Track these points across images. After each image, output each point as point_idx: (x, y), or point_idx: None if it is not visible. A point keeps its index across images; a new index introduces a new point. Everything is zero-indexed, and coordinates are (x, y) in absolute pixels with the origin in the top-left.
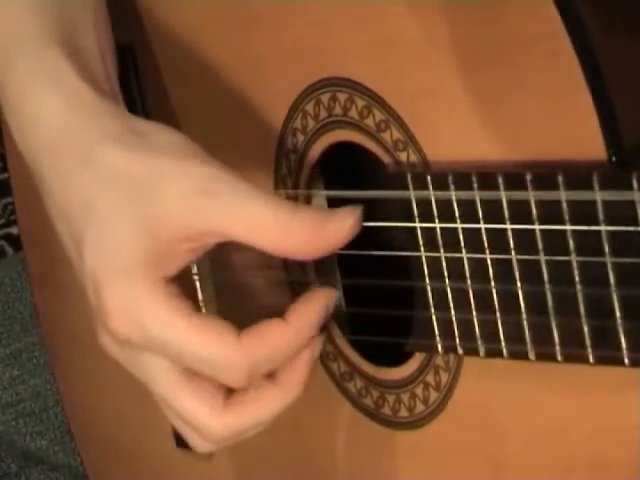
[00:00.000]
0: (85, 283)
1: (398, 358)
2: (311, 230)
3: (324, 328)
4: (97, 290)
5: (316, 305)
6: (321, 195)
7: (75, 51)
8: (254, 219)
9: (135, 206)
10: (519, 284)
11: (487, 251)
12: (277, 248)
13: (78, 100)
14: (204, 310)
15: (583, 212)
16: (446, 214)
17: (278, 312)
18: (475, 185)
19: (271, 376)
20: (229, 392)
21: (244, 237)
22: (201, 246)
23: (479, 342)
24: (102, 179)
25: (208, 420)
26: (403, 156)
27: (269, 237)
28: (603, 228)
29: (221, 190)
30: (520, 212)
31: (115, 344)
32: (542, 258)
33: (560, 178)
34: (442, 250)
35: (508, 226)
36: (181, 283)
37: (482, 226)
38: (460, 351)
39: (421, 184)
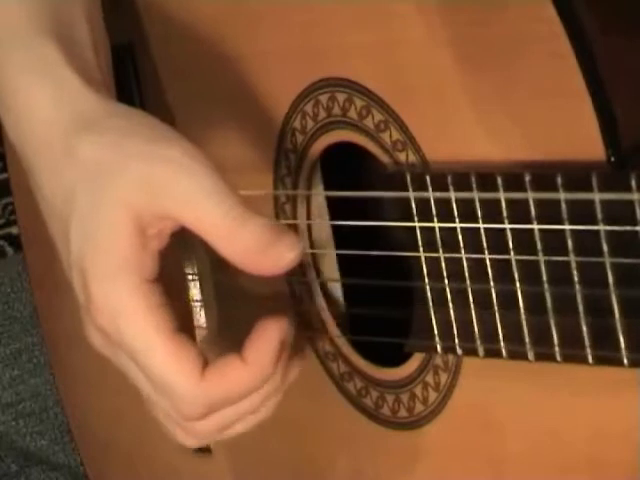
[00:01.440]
0: (71, 276)
1: (398, 358)
2: (252, 249)
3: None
4: (85, 283)
5: (271, 339)
6: (320, 195)
7: (68, 43)
8: (204, 215)
9: (106, 193)
10: (518, 284)
11: (486, 251)
12: (220, 250)
13: (67, 93)
14: (204, 311)
15: (582, 212)
16: (445, 214)
17: (277, 311)
18: (474, 185)
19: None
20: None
21: (194, 228)
22: (162, 230)
23: (478, 342)
24: (78, 168)
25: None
26: (402, 156)
27: (215, 237)
28: (602, 228)
29: (180, 178)
30: (519, 212)
31: (101, 338)
32: (541, 258)
33: (559, 178)
34: (441, 250)
35: (507, 226)
36: (171, 289)
37: (481, 226)
38: (459, 351)
39: (420, 184)
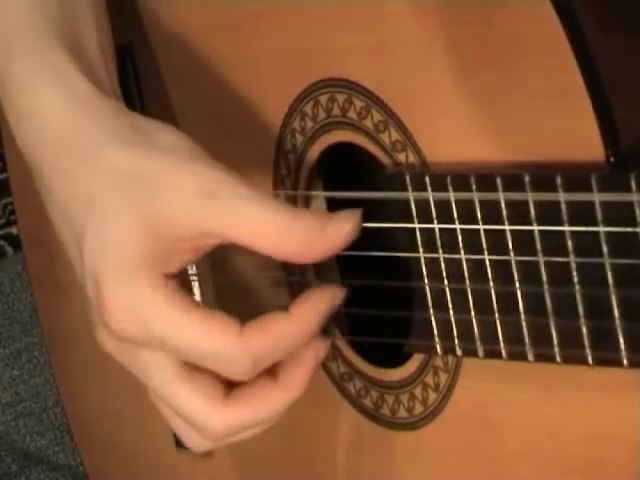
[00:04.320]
0: (85, 280)
1: (397, 359)
2: (310, 234)
3: (330, 332)
4: (97, 287)
5: (319, 300)
6: (320, 196)
7: (77, 48)
8: (254, 223)
9: (137, 205)
10: (518, 285)
11: (486, 252)
12: (276, 252)
13: (80, 97)
14: None
15: (581, 213)
16: (445, 215)
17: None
18: (474, 186)
19: (273, 375)
20: (229, 389)
21: (244, 240)
22: (201, 246)
23: (478, 343)
24: (105, 177)
25: (207, 416)
26: (402, 157)
27: (269, 241)
28: (601, 229)
29: (223, 192)
30: (518, 213)
31: (114, 341)
32: (541, 259)
33: (558, 179)
34: (441, 251)
35: (507, 227)
36: (181, 281)
37: (481, 227)
38: (459, 352)
39: (420, 185)
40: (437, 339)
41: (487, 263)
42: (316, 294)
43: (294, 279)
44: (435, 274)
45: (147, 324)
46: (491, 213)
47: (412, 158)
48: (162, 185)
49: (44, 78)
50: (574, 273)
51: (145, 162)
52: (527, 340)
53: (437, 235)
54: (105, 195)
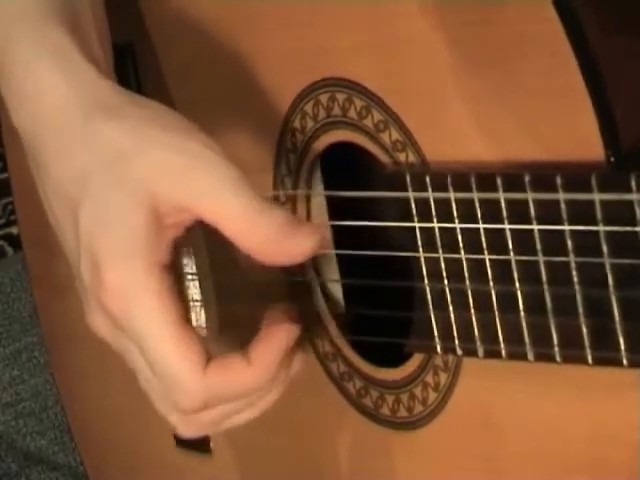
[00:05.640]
0: (78, 257)
1: (397, 358)
2: (274, 235)
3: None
4: (96, 264)
5: (278, 343)
6: (320, 195)
7: (77, 31)
8: (224, 206)
9: (125, 178)
10: (518, 285)
11: (486, 252)
12: (240, 241)
13: (80, 78)
14: (204, 310)
15: (581, 213)
16: (445, 214)
17: (284, 314)
18: (474, 186)
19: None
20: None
21: (212, 221)
22: (180, 222)
23: (478, 343)
24: (96, 151)
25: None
26: (402, 156)
27: (233, 228)
28: (601, 229)
29: (201, 169)
30: (519, 213)
31: (107, 321)
32: (541, 259)
33: (558, 179)
34: (441, 251)
35: (507, 226)
36: (177, 281)
37: (481, 227)
38: (459, 352)
39: (420, 185)
40: (437, 339)
41: (487, 263)
42: (274, 336)
43: (294, 278)
44: (435, 274)
45: (129, 311)
46: (491, 213)
47: (412, 157)
48: (142, 158)
49: (46, 61)
50: (574, 273)
51: (130, 134)
52: (527, 340)
53: (437, 235)
54: (97, 171)
